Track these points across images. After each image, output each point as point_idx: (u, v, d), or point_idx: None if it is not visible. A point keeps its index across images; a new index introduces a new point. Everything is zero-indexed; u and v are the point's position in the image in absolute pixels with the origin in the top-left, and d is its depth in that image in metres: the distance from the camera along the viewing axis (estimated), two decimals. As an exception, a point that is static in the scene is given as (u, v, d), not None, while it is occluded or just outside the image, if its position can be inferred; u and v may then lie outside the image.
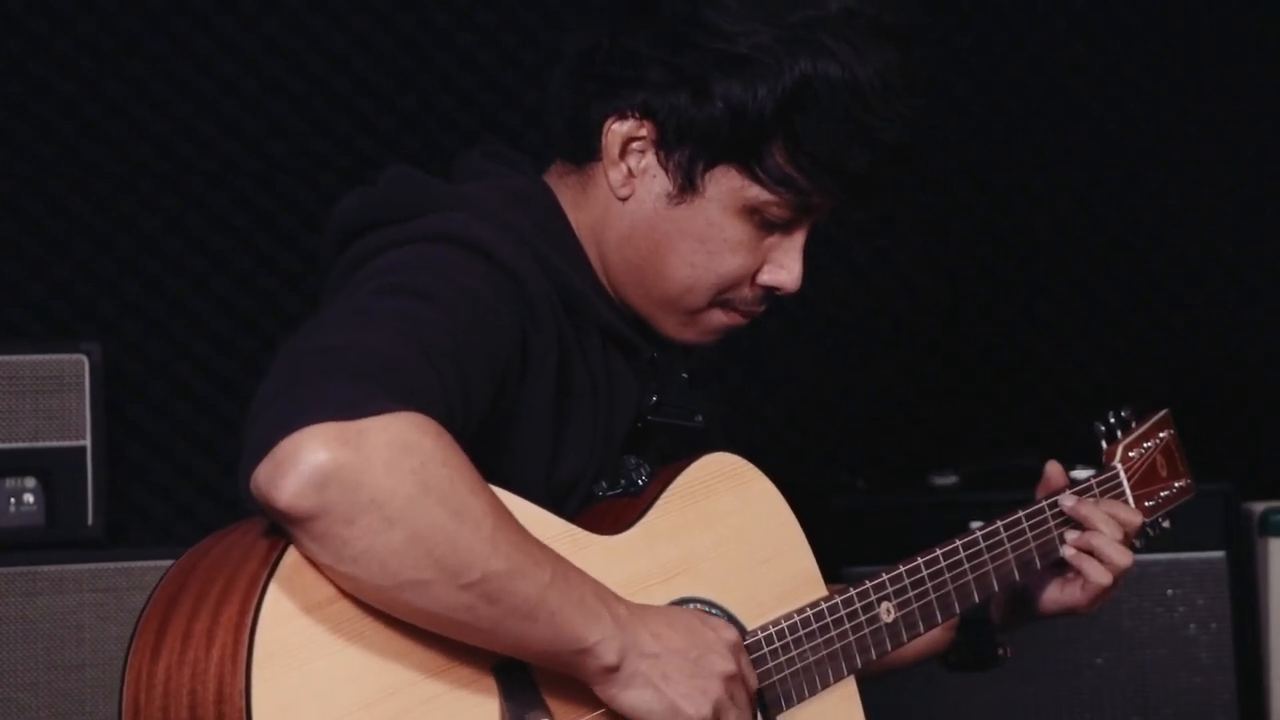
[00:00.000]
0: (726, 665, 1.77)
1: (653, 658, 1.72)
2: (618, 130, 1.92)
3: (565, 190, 1.99)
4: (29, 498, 3.06)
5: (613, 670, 1.70)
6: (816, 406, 3.84)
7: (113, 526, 3.19)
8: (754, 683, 1.83)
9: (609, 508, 1.93)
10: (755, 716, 1.91)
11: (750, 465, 2.02)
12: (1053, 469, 2.29)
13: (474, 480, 1.62)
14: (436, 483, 1.58)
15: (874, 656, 2.04)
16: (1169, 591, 3.37)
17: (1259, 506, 3.45)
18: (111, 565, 2.99)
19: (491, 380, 1.76)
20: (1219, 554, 3.38)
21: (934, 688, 3.25)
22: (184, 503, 3.51)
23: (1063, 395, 3.87)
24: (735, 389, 3.78)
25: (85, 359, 3.10)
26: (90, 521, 3.09)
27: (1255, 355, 3.91)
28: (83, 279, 3.49)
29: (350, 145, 3.59)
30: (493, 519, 1.62)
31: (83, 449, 3.10)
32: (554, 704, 1.74)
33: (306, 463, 1.54)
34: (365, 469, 1.55)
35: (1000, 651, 2.27)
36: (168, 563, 1.69)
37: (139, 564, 2.99)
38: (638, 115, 1.91)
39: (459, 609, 1.61)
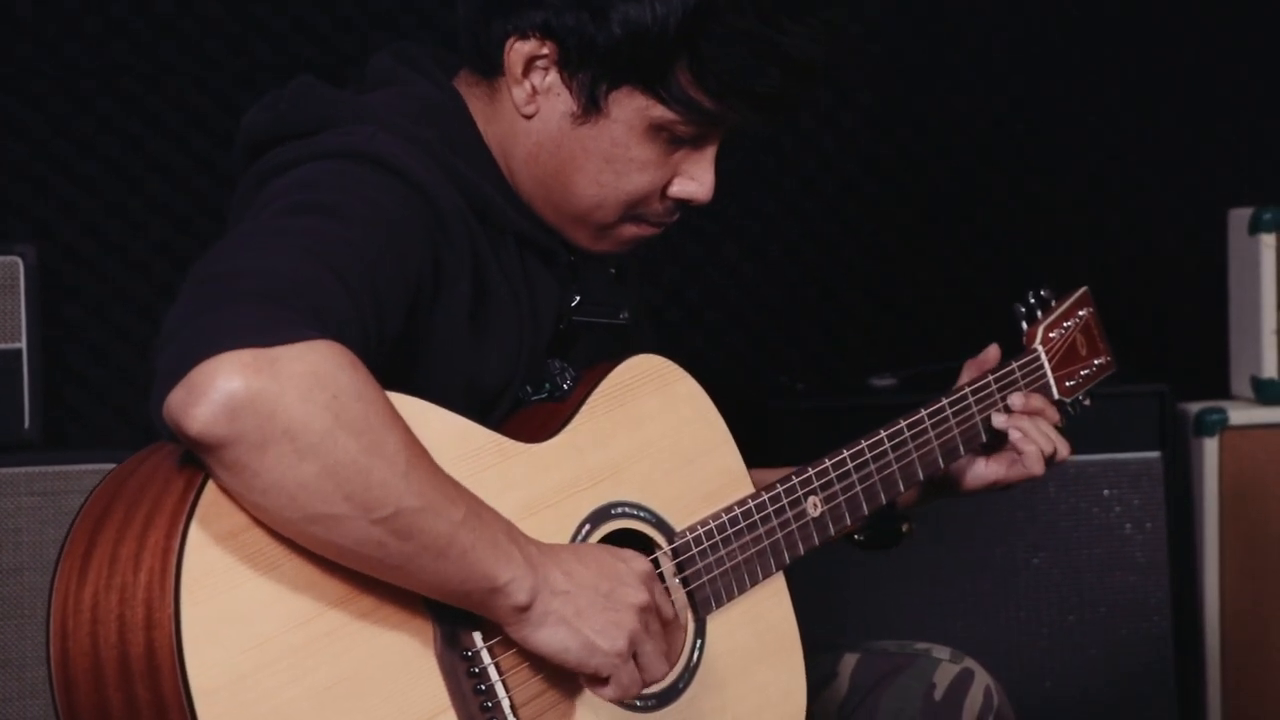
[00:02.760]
0: (639, 596, 1.75)
1: (564, 595, 1.70)
2: (520, 49, 1.88)
3: (475, 100, 1.96)
4: (-36, 402, 3.05)
5: (524, 610, 1.69)
6: (756, 310, 3.84)
7: (50, 430, 3.18)
8: (668, 611, 1.82)
9: (534, 413, 1.92)
10: (685, 638, 1.92)
11: (675, 365, 2.01)
12: (994, 351, 2.32)
13: (389, 414, 1.60)
14: (350, 416, 1.56)
15: (802, 551, 2.05)
16: (1105, 492, 3.39)
17: (1194, 407, 3.47)
18: (49, 469, 2.97)
19: (405, 299, 1.74)
20: (1154, 454, 3.40)
21: (870, 586, 3.27)
22: (121, 405, 3.50)
23: (1000, 299, 3.86)
24: (675, 292, 3.78)
25: (20, 261, 3.07)
26: (27, 425, 3.07)
27: (1190, 258, 3.92)
28: (16, 180, 3.45)
29: (285, 46, 3.55)
30: (406, 454, 1.60)
31: (18, 352, 3.07)
32: (485, 620, 1.73)
33: (220, 390, 1.52)
34: (279, 398, 1.53)
35: (904, 528, 2.28)
36: (105, 466, 1.69)
37: (76, 467, 2.96)
38: (539, 35, 1.87)
39: (369, 544, 1.60)
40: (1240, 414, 3.47)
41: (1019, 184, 3.92)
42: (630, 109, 1.88)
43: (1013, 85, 3.90)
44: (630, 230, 1.98)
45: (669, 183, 1.95)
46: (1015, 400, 2.26)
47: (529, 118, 1.91)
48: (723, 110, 1.89)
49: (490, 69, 1.92)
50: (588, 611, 1.72)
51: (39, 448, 3.07)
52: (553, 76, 1.89)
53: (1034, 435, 2.23)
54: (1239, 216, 3.55)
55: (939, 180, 3.91)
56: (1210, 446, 3.44)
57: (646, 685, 1.78)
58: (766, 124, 1.93)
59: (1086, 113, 3.92)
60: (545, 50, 1.88)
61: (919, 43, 3.87)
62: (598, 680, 1.75)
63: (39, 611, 2.92)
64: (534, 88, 1.90)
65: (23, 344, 3.08)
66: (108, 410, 3.50)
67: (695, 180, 1.95)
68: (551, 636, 1.71)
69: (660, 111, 1.88)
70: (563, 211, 1.95)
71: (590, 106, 1.88)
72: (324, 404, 1.55)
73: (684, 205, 1.98)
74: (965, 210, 3.92)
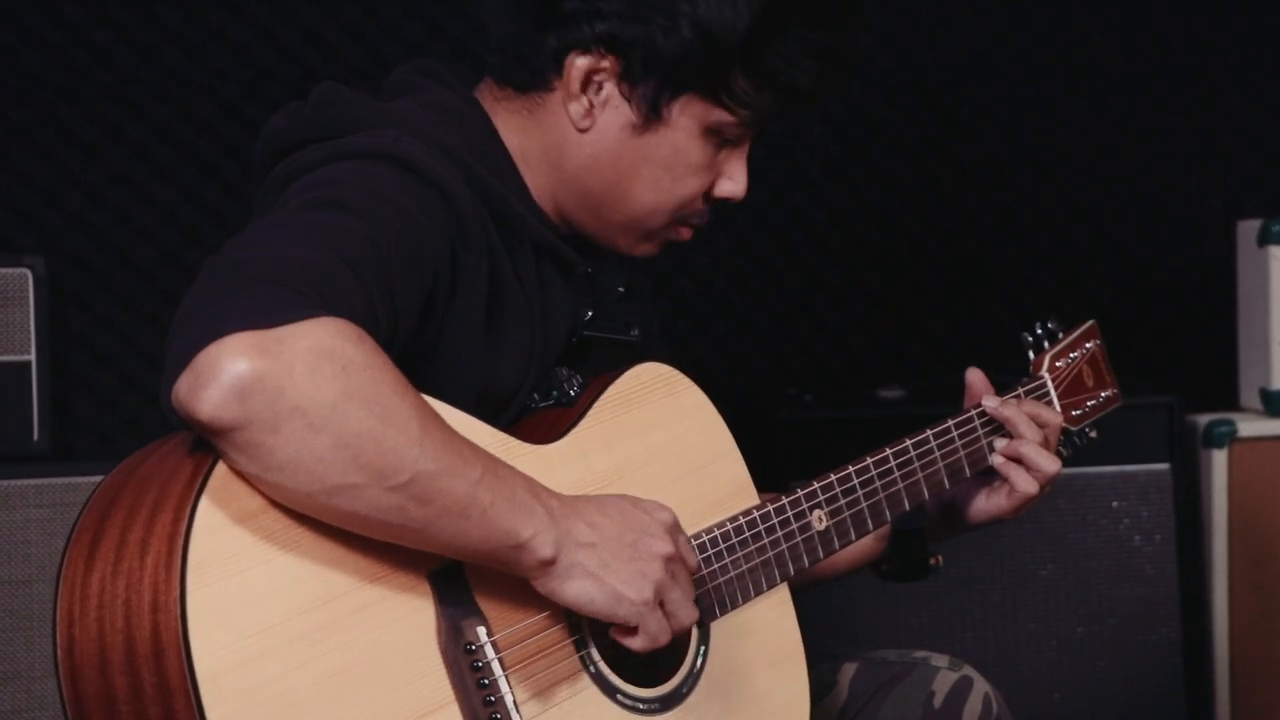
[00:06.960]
0: (664, 546, 1.77)
1: (589, 547, 1.72)
2: (580, 65, 1.90)
3: (502, 112, 1.97)
4: (-28, 414, 3.05)
5: (550, 563, 1.70)
6: (764, 320, 3.84)
7: (59, 441, 3.18)
8: (692, 560, 1.83)
9: (542, 418, 1.94)
10: (690, 642, 1.92)
11: (681, 375, 2.02)
12: (974, 376, 2.29)
13: (398, 382, 1.61)
14: (360, 386, 1.57)
15: (806, 564, 2.05)
16: (1114, 503, 3.39)
17: (1203, 419, 3.47)
18: (58, 480, 2.97)
19: (420, 298, 1.76)
20: (1163, 466, 3.40)
21: (878, 598, 3.27)
22: (130, 416, 3.50)
23: (1009, 310, 3.88)
24: (685, 302, 3.78)
25: (29, 273, 3.07)
26: (36, 437, 3.07)
27: (1199, 269, 3.92)
28: (25, 191, 3.46)
29: (294, 55, 3.56)
30: (419, 420, 1.61)
31: (28, 364, 3.08)
32: (489, 610, 1.74)
33: (227, 373, 1.53)
34: (287, 376, 1.54)
35: (932, 561, 2.28)
36: (115, 478, 1.68)
37: (85, 479, 2.96)
38: (602, 48, 1.89)
39: (390, 511, 1.61)
40: (1249, 426, 3.47)
41: (1028, 194, 3.92)
42: (690, 115, 1.92)
43: (1022, 95, 3.91)
44: (672, 233, 2.02)
45: (713, 184, 1.99)
46: (988, 402, 2.23)
47: (584, 131, 1.93)
48: (773, 107, 1.93)
49: (534, 83, 1.94)
50: (613, 563, 1.73)
51: (48, 459, 3.07)
52: (610, 89, 1.91)
53: (1012, 454, 2.21)
54: (1248, 228, 3.54)
55: (947, 190, 3.91)
56: (1219, 458, 3.44)
57: (675, 633, 1.79)
58: (794, 112, 1.97)
59: (1096, 122, 3.92)
60: (606, 64, 1.90)
61: (926, 52, 3.87)
62: (626, 631, 1.76)
63: (48, 624, 2.91)
64: (591, 103, 1.92)
65: (32, 356, 3.08)
66: (116, 421, 3.50)
67: (734, 179, 1.99)
68: (579, 589, 1.72)
69: (718, 115, 1.92)
70: (614, 222, 1.98)
71: (652, 116, 1.91)
72: (331, 376, 1.56)
73: (721, 205, 2.02)
74: (973, 220, 3.92)
